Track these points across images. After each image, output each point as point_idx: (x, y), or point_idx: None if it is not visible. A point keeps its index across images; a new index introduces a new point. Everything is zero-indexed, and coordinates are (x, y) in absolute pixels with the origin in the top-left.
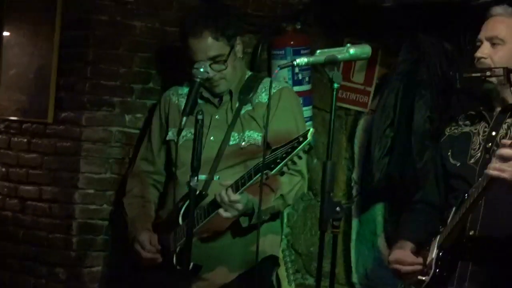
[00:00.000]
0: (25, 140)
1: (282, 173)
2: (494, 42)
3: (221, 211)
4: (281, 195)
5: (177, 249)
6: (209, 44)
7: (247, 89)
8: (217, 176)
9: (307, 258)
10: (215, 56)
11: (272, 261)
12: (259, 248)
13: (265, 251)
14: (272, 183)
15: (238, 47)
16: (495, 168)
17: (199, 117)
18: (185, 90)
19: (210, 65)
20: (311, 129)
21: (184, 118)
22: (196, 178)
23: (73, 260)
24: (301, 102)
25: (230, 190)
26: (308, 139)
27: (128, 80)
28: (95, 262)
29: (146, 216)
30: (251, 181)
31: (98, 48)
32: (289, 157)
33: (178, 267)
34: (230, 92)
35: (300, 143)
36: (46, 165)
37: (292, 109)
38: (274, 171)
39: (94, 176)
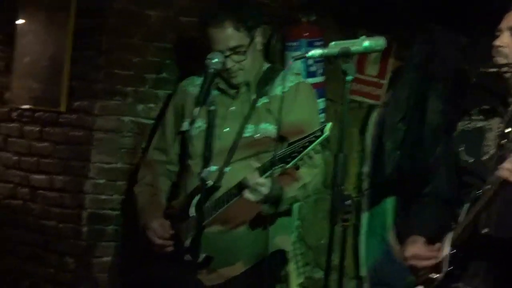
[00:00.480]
0: (37, 128)
1: (297, 167)
2: None
3: (245, 192)
4: (304, 184)
5: (189, 241)
6: (230, 34)
7: (264, 81)
8: (229, 168)
9: (317, 251)
10: (235, 47)
11: (282, 255)
12: (270, 242)
13: (277, 246)
14: (294, 173)
15: (258, 39)
16: (508, 170)
17: (212, 108)
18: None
19: (229, 56)
20: (329, 124)
21: (197, 109)
22: (207, 169)
23: (83, 250)
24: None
25: (256, 173)
26: (325, 134)
27: (141, 70)
28: (104, 252)
29: (156, 204)
30: (275, 167)
31: (112, 37)
32: (305, 151)
33: (189, 259)
34: (247, 84)
35: (317, 137)
36: (58, 154)
37: (308, 104)
38: (289, 164)
39: (105, 166)
